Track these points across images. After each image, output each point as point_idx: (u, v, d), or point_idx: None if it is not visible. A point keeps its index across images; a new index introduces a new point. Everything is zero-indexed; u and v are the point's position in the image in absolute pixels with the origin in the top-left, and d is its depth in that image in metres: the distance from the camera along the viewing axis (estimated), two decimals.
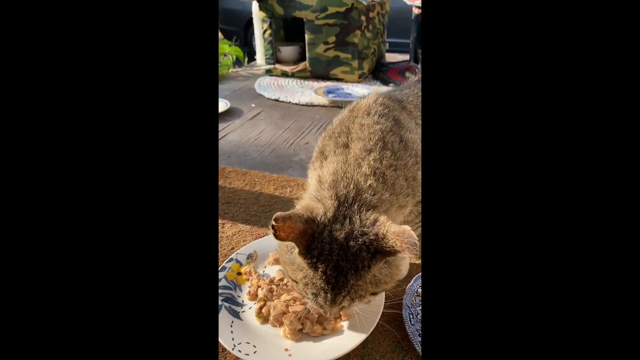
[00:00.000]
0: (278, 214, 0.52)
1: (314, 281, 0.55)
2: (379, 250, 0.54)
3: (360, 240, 0.54)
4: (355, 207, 0.57)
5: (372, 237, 0.54)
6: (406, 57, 2.63)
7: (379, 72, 2.37)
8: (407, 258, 0.84)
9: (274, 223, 0.51)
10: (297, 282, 0.59)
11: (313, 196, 0.62)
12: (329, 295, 0.55)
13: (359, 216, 0.56)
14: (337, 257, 0.54)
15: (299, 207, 0.60)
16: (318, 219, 0.56)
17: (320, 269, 0.54)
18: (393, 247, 0.52)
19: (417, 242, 0.50)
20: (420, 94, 0.85)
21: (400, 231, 0.52)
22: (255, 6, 2.41)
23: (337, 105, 1.88)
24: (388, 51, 2.82)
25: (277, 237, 0.52)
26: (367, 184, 0.59)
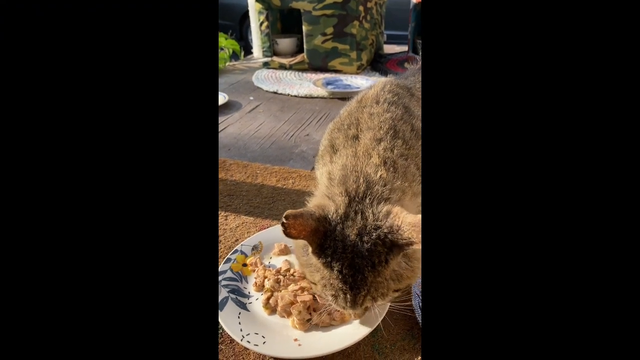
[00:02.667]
0: (289, 211, 0.50)
1: (331, 282, 0.54)
2: (395, 244, 0.52)
3: (374, 234, 0.52)
4: (367, 201, 0.55)
5: (386, 231, 0.52)
6: (405, 48, 2.62)
7: (378, 64, 2.35)
8: None
9: (284, 221, 0.49)
10: (315, 284, 0.57)
11: (323, 194, 0.60)
12: (348, 296, 0.53)
13: (372, 210, 0.54)
14: (352, 255, 0.52)
15: (311, 205, 0.59)
16: (330, 216, 0.54)
17: (336, 268, 0.52)
18: (409, 238, 0.50)
19: None
20: None
21: (416, 221, 0.50)
22: None
23: (337, 97, 1.86)
24: (386, 43, 2.80)
25: (287, 234, 0.50)
26: (378, 175, 0.57)
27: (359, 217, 0.54)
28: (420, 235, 0.49)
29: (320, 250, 0.53)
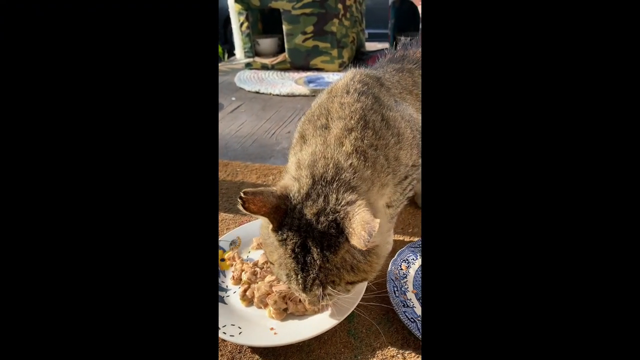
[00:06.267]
0: (247, 189, 0.51)
1: (285, 261, 0.54)
2: (343, 231, 0.52)
3: (331, 217, 0.52)
4: (334, 185, 0.56)
5: (342, 215, 0.52)
6: (386, 45, 2.64)
7: (360, 61, 2.37)
8: (389, 242, 0.83)
9: (242, 195, 0.50)
10: (273, 264, 0.58)
11: (291, 176, 0.61)
12: (299, 278, 0.54)
13: (336, 195, 0.54)
14: (305, 234, 0.52)
15: (276, 186, 0.60)
16: (292, 195, 0.55)
17: (289, 246, 0.53)
18: (352, 231, 0.49)
19: (369, 238, 0.48)
20: (393, 72, 0.85)
21: (369, 220, 0.49)
22: None
23: None
24: (368, 40, 2.82)
25: (246, 209, 0.51)
26: (348, 163, 0.58)
27: (321, 199, 0.54)
28: (361, 232, 0.48)
29: (279, 227, 0.54)
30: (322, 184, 0.56)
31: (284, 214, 0.54)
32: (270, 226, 0.54)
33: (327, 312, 0.66)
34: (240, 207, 0.51)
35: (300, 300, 0.68)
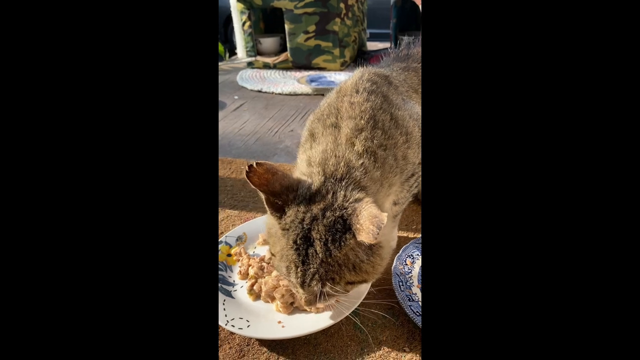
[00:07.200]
0: (264, 162, 0.54)
1: (287, 252, 0.54)
2: (350, 227, 0.52)
3: (338, 212, 0.53)
4: (344, 183, 0.56)
5: (349, 212, 0.53)
6: (387, 44, 2.65)
7: (361, 60, 2.38)
8: (392, 246, 0.83)
9: (254, 164, 0.52)
10: (275, 256, 0.58)
11: (302, 173, 0.61)
12: (299, 271, 0.54)
13: (344, 192, 0.55)
14: (309, 227, 0.53)
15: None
16: (301, 185, 0.56)
17: (292, 237, 0.54)
18: (360, 226, 0.50)
19: (379, 231, 0.48)
20: (400, 71, 0.86)
21: (377, 215, 0.50)
22: None
23: (321, 93, 1.88)
24: (369, 40, 2.83)
25: (249, 178, 0.53)
26: (359, 163, 0.59)
27: (329, 195, 0.55)
28: (374, 229, 0.48)
29: (281, 215, 0.55)
30: (332, 181, 0.57)
31: (283, 203, 0.55)
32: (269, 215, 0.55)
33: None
34: (244, 174, 0.53)
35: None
